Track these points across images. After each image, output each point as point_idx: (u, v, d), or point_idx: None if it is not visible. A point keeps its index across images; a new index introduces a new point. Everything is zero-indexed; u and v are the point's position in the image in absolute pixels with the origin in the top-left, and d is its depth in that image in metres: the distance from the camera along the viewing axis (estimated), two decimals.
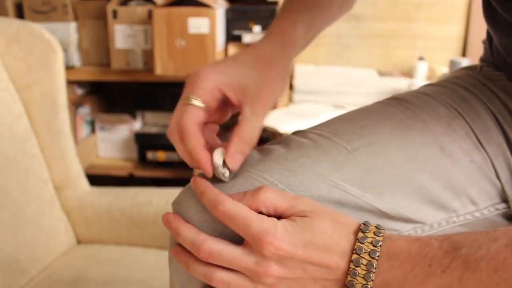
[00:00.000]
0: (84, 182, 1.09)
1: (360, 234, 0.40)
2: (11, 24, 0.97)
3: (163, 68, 1.52)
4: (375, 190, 0.46)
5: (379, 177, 0.47)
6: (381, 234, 0.40)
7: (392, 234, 0.41)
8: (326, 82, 1.71)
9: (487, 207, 0.50)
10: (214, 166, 0.44)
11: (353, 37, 1.91)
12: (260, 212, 0.41)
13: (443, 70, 1.75)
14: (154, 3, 1.55)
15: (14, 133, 0.93)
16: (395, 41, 1.90)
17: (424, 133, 0.51)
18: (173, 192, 0.49)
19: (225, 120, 0.50)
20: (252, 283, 0.41)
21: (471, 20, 1.83)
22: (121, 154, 1.82)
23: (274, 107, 0.50)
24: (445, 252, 0.37)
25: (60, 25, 1.59)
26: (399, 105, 0.55)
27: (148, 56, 1.58)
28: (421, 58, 1.77)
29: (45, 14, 1.57)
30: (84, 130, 1.79)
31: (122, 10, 1.56)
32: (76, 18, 1.63)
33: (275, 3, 1.60)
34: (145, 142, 1.73)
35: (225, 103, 0.48)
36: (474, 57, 1.78)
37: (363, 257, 0.39)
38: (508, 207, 0.51)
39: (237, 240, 0.41)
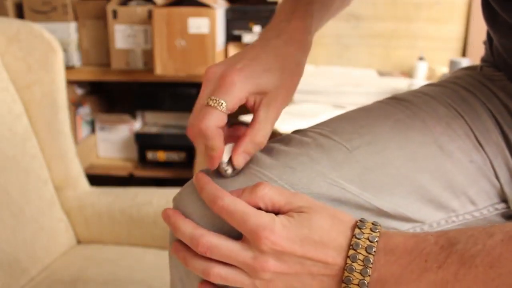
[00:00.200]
0: (84, 182, 1.09)
1: (357, 230, 0.40)
2: (11, 24, 0.97)
3: (163, 68, 1.52)
4: (375, 189, 0.46)
5: (379, 176, 0.47)
6: (377, 230, 0.40)
7: (388, 230, 0.41)
8: (326, 82, 1.71)
9: (486, 207, 0.51)
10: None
11: (353, 37, 1.91)
12: (259, 208, 0.42)
13: (443, 70, 1.75)
14: (154, 3, 1.55)
15: (14, 133, 0.93)
16: (395, 41, 1.90)
17: (424, 132, 0.51)
18: (173, 192, 0.49)
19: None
20: (249, 278, 0.41)
21: (471, 20, 1.83)
22: (121, 154, 1.82)
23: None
24: (441, 248, 0.37)
25: (60, 25, 1.59)
26: (399, 105, 0.55)
27: (148, 56, 1.59)
28: (421, 58, 1.77)
29: (45, 14, 1.57)
30: (84, 130, 1.79)
31: (122, 10, 1.56)
32: (76, 18, 1.63)
33: (275, 3, 1.60)
34: (145, 142, 1.73)
35: None
36: (474, 57, 1.78)
37: (360, 253, 0.39)
38: (507, 207, 0.51)
39: (236, 235, 0.42)
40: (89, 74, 1.66)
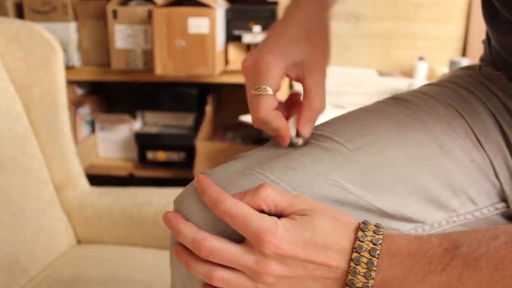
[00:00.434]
0: (84, 182, 1.09)
1: (360, 233, 0.40)
2: (11, 24, 0.97)
3: (163, 68, 1.52)
4: (375, 189, 0.46)
5: (379, 176, 0.47)
6: (380, 233, 0.40)
7: (391, 233, 0.41)
8: (326, 82, 1.70)
9: (486, 206, 0.51)
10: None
11: (353, 37, 1.91)
12: (261, 210, 0.42)
13: (443, 70, 1.75)
14: (154, 3, 1.55)
15: (14, 133, 0.93)
16: (395, 41, 1.90)
17: (424, 132, 0.51)
18: (173, 192, 0.49)
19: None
20: (252, 282, 0.41)
21: (471, 20, 1.83)
22: (121, 154, 1.82)
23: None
24: (445, 250, 0.37)
25: (60, 25, 1.59)
26: (399, 105, 0.55)
27: (148, 56, 1.59)
28: (421, 58, 1.77)
29: (45, 14, 1.57)
30: (84, 130, 1.79)
31: (122, 10, 1.56)
32: (76, 18, 1.63)
33: (275, 3, 1.60)
34: (145, 142, 1.73)
35: None
36: (474, 57, 1.78)
37: (363, 256, 0.39)
38: (508, 206, 0.51)
39: (238, 239, 0.41)
40: (89, 74, 1.66)
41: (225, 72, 1.58)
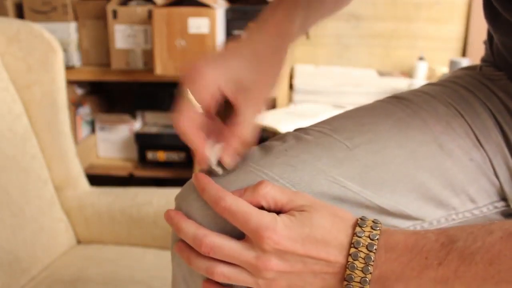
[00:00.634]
0: (84, 182, 1.09)
1: (358, 229, 0.40)
2: (11, 24, 0.97)
3: (163, 68, 1.52)
4: (375, 187, 0.46)
5: (379, 174, 0.47)
6: (378, 228, 0.40)
7: (388, 228, 0.41)
8: (326, 82, 1.71)
9: (486, 205, 0.51)
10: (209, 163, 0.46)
11: (353, 37, 1.91)
12: (261, 207, 0.42)
13: (443, 70, 1.75)
14: (154, 3, 1.55)
15: (14, 133, 0.93)
16: (395, 41, 1.90)
17: (424, 131, 0.51)
18: (173, 192, 0.49)
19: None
20: (252, 278, 0.41)
21: (471, 20, 1.83)
22: (121, 154, 1.82)
23: (269, 105, 0.49)
24: (441, 245, 0.38)
25: (60, 25, 1.59)
26: (399, 104, 0.55)
27: (148, 56, 1.59)
28: (421, 58, 1.78)
29: (45, 14, 1.57)
30: (84, 130, 1.79)
31: (122, 10, 1.56)
32: (76, 18, 1.63)
33: None
34: (145, 142, 1.73)
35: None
36: (474, 57, 1.78)
37: (361, 251, 0.39)
38: (507, 205, 0.52)
39: (238, 235, 0.42)
40: (89, 74, 1.66)
41: None
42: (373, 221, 0.41)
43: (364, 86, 1.68)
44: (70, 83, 1.65)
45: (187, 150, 1.71)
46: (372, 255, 0.39)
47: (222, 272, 0.42)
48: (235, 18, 1.58)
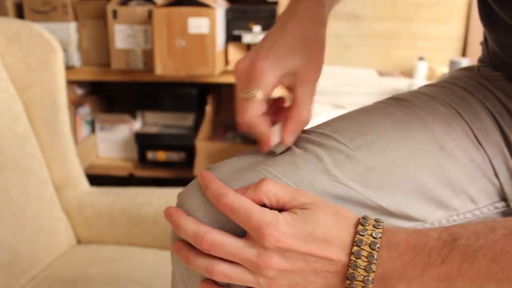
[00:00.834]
0: (84, 182, 1.09)
1: (360, 227, 0.40)
2: (11, 24, 0.97)
3: (163, 68, 1.52)
4: (377, 187, 0.47)
5: (380, 175, 0.47)
6: (380, 227, 0.40)
7: (390, 227, 0.41)
8: (326, 82, 1.71)
9: (486, 205, 0.51)
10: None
11: (353, 37, 1.91)
12: (263, 204, 0.42)
13: (443, 70, 1.75)
14: (154, 3, 1.55)
15: (14, 133, 0.93)
16: (395, 41, 1.90)
17: (424, 132, 0.51)
18: (173, 192, 0.49)
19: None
20: (253, 276, 0.41)
21: (471, 20, 1.83)
22: (121, 154, 1.82)
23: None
24: (444, 243, 0.38)
25: (60, 25, 1.59)
26: (399, 105, 0.55)
27: (148, 56, 1.59)
28: (421, 58, 1.78)
29: (45, 14, 1.57)
30: (84, 130, 1.79)
31: (122, 10, 1.56)
32: (76, 18, 1.63)
33: (275, 3, 1.60)
34: (145, 142, 1.73)
35: None
36: (474, 57, 1.77)
37: (364, 249, 0.39)
38: (507, 205, 0.52)
39: (240, 233, 0.42)
40: (89, 74, 1.66)
41: (225, 72, 1.58)
42: (375, 220, 0.41)
43: (364, 86, 1.68)
44: (70, 83, 1.65)
45: (187, 150, 1.71)
46: (375, 254, 0.39)
47: (222, 271, 0.41)
48: (235, 18, 1.58)
